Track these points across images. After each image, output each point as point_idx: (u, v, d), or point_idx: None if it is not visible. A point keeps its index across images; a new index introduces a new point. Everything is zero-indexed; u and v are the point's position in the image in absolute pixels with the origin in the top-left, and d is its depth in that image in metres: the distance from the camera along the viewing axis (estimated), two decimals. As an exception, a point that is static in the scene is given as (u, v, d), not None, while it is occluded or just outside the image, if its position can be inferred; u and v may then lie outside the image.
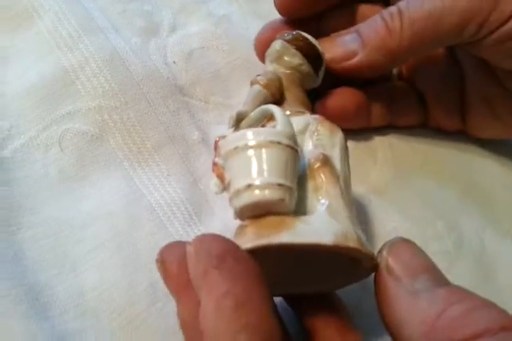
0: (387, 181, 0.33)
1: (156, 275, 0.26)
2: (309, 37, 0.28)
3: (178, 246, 0.20)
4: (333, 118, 0.25)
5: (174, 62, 0.34)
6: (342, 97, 0.32)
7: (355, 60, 0.29)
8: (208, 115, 0.34)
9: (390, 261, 0.20)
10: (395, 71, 0.36)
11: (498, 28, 0.26)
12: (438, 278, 0.20)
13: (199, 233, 0.29)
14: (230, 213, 0.27)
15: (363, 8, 0.34)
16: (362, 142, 0.34)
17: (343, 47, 0.29)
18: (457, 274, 0.30)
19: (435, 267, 0.21)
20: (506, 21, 0.26)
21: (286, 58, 0.28)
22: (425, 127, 0.36)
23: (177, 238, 0.28)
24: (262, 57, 0.31)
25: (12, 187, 0.28)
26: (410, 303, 0.19)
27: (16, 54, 0.32)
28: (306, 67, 0.28)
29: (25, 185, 0.28)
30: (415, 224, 0.31)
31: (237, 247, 0.18)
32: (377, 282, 0.21)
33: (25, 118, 0.30)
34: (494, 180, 0.35)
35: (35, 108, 0.30)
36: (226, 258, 0.18)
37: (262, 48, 0.31)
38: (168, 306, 0.26)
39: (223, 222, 0.29)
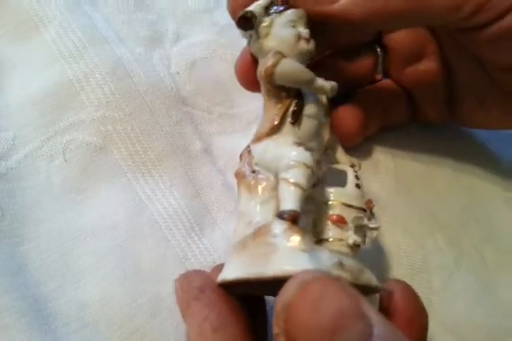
0: (388, 193, 0.33)
1: (157, 289, 0.27)
2: None
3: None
4: (341, 141, 0.27)
5: (178, 72, 0.35)
6: (344, 122, 0.32)
7: (333, 7, 0.26)
8: (210, 125, 0.34)
9: None
10: (380, 70, 0.35)
11: (495, 19, 0.25)
12: None
13: (201, 245, 0.29)
14: (232, 224, 0.28)
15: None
16: (364, 152, 0.35)
17: None
18: (457, 287, 0.31)
19: None
20: (505, 14, 0.25)
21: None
22: (414, 122, 0.36)
23: (178, 250, 0.29)
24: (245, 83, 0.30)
25: (16, 198, 0.28)
26: None
27: (20, 64, 0.33)
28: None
29: (29, 196, 0.28)
30: (415, 238, 0.32)
31: (213, 281, 0.22)
32: None
33: (29, 128, 0.31)
34: (495, 194, 0.35)
35: (39, 118, 0.31)
36: (204, 290, 0.21)
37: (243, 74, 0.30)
38: (168, 320, 0.26)
39: (225, 233, 0.30)
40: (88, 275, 0.26)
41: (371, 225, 0.24)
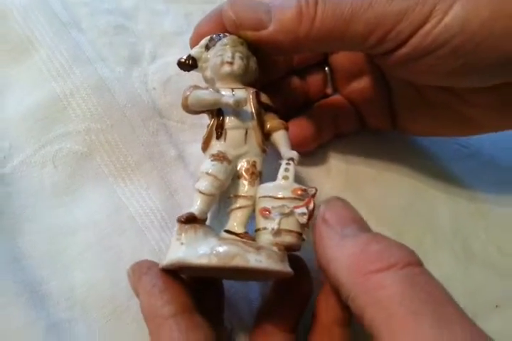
0: (337, 192, 0.37)
1: None
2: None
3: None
4: (296, 147, 0.29)
5: (154, 88, 0.39)
6: (299, 131, 0.36)
7: (264, 33, 0.28)
8: (184, 134, 0.38)
9: (325, 214, 0.26)
10: (330, 87, 0.38)
11: (394, 49, 0.27)
12: (364, 227, 0.26)
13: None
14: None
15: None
16: (319, 158, 0.39)
17: (253, 13, 0.28)
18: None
19: (362, 219, 0.26)
20: (402, 44, 0.27)
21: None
22: (363, 130, 0.40)
23: (153, 243, 0.32)
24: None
25: (12, 199, 0.32)
26: (339, 243, 0.24)
27: (15, 82, 0.36)
28: None
29: (23, 197, 0.32)
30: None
31: (157, 264, 0.27)
32: (314, 231, 0.26)
33: (23, 139, 0.34)
34: (437, 193, 0.39)
35: (31, 130, 0.34)
36: (151, 268, 0.27)
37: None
38: None
39: None
40: (76, 263, 0.30)
41: (298, 211, 0.26)
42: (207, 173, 0.27)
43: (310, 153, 0.39)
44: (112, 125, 0.35)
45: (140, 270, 0.27)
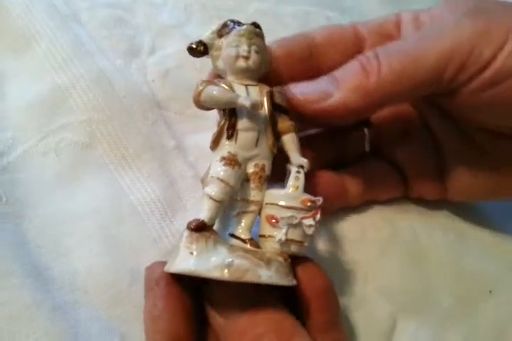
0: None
1: (135, 263, 0.31)
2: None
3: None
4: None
5: (153, 80, 0.39)
6: (321, 186, 0.31)
7: (331, 101, 0.27)
8: (182, 126, 0.39)
9: None
10: (367, 148, 0.35)
11: (477, 73, 0.25)
12: None
13: (172, 227, 0.34)
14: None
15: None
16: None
17: (317, 88, 0.28)
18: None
19: None
20: (485, 67, 0.25)
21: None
22: (406, 198, 0.37)
23: (153, 231, 0.33)
24: None
25: (16, 187, 0.32)
26: None
27: (17, 74, 0.37)
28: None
29: (27, 186, 0.33)
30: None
31: (168, 275, 0.26)
32: None
33: (25, 129, 0.35)
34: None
35: (34, 121, 0.35)
36: (159, 282, 0.26)
37: None
38: (143, 288, 0.29)
39: (194, 217, 0.34)
40: (78, 250, 0.31)
41: (306, 223, 0.26)
42: (218, 179, 0.26)
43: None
44: (112, 116, 0.36)
45: (150, 282, 0.27)
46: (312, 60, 0.32)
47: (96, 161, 0.35)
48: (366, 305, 0.33)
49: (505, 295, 0.36)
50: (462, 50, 0.25)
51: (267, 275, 0.25)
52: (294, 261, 0.27)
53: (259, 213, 0.28)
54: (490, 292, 0.36)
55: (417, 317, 0.34)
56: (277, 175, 0.29)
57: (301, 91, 0.28)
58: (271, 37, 0.29)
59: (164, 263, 0.27)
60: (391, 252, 0.36)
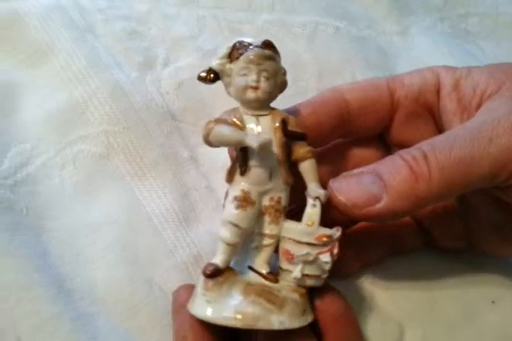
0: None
1: (151, 273, 0.32)
2: None
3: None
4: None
5: (167, 92, 0.40)
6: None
7: (379, 206, 0.25)
8: (196, 137, 0.39)
9: None
10: None
11: None
12: None
13: (187, 238, 0.34)
14: (213, 220, 0.34)
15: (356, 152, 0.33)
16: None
17: (363, 190, 0.26)
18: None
19: None
20: None
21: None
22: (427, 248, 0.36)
23: (168, 242, 0.34)
24: None
25: (36, 198, 0.33)
26: None
27: (35, 87, 0.38)
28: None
29: (46, 197, 0.33)
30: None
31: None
32: None
33: (44, 141, 0.36)
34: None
35: (52, 133, 0.36)
36: (180, 310, 0.28)
37: None
38: (159, 298, 0.31)
39: (207, 228, 0.35)
40: (96, 261, 0.31)
41: (322, 259, 0.26)
42: (230, 223, 0.26)
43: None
44: (128, 127, 0.37)
45: (176, 304, 0.28)
46: (344, 127, 0.31)
47: (113, 172, 0.36)
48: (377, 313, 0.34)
49: (508, 304, 0.36)
50: None
51: (279, 321, 0.25)
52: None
53: (278, 244, 0.28)
54: (493, 302, 0.36)
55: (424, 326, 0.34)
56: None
57: (346, 196, 0.26)
58: (280, 47, 0.28)
59: (189, 286, 0.29)
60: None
